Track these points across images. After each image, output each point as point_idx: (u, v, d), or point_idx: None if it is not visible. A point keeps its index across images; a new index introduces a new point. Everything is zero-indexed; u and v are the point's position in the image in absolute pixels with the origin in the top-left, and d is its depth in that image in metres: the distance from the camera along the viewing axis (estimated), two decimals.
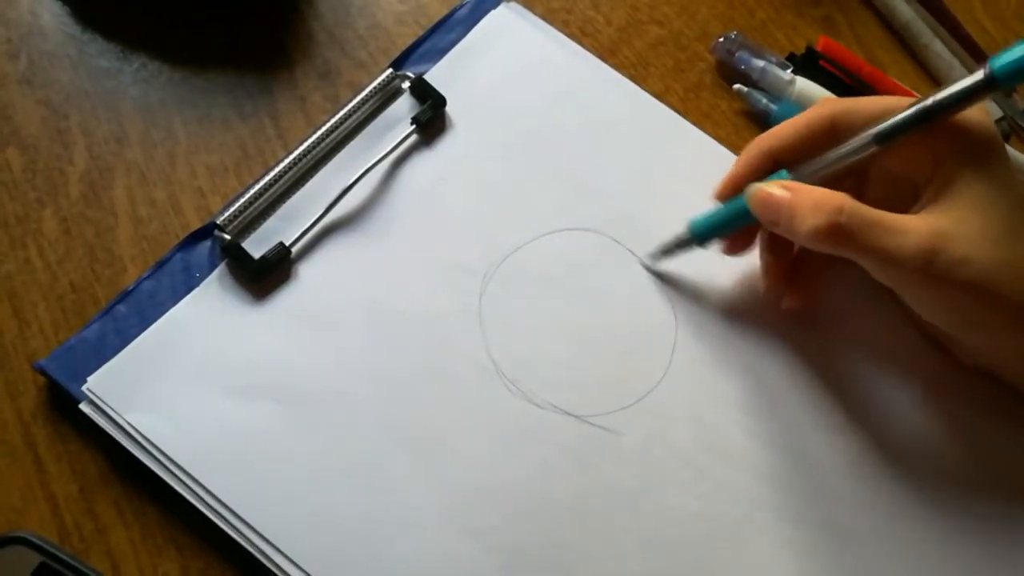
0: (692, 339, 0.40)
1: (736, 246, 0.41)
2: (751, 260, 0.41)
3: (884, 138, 0.35)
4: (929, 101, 0.34)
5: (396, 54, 0.45)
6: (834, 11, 0.52)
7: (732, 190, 0.39)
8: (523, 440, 0.37)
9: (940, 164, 0.35)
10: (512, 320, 0.39)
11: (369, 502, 0.35)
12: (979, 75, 0.33)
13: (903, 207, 0.36)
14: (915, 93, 0.48)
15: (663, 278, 0.41)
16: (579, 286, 0.40)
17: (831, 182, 0.36)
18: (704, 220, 0.39)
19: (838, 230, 0.34)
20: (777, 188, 0.36)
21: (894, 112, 0.35)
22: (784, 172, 0.37)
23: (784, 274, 0.40)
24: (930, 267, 0.33)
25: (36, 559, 0.32)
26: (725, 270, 0.42)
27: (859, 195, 0.35)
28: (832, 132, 0.37)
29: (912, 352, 0.41)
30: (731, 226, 0.39)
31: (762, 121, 0.47)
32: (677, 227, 0.40)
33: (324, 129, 0.41)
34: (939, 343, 0.41)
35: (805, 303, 0.40)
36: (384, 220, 0.40)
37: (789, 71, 0.47)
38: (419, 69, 0.44)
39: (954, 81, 0.34)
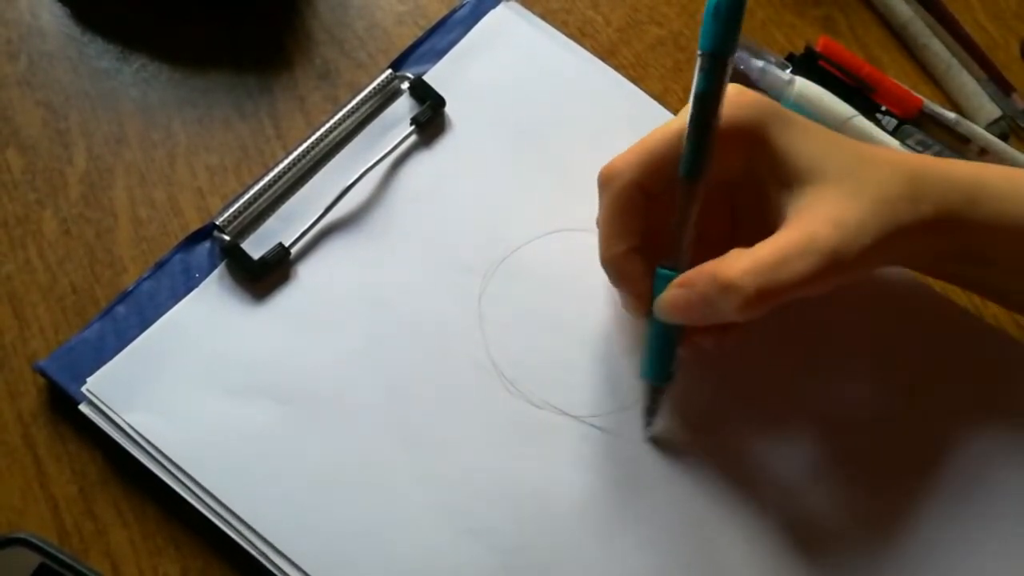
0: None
1: (714, 337, 0.37)
2: None
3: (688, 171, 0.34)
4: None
5: (395, 54, 0.45)
6: (834, 11, 0.52)
7: (646, 306, 0.36)
8: (522, 440, 0.37)
9: (752, 152, 0.35)
10: (512, 320, 0.39)
11: (368, 502, 0.35)
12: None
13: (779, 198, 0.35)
14: (915, 92, 0.48)
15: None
16: (579, 286, 0.40)
17: (702, 232, 0.35)
18: (648, 362, 0.36)
19: (762, 295, 0.32)
20: (675, 290, 0.34)
21: (655, 149, 0.35)
22: (661, 271, 0.35)
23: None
24: (842, 260, 0.32)
25: (36, 560, 0.32)
26: None
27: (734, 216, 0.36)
28: (636, 198, 0.36)
29: (904, 342, 0.41)
30: (674, 345, 0.36)
31: None
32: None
33: (324, 129, 0.41)
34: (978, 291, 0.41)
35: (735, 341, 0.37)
36: (383, 221, 0.40)
37: (788, 71, 0.47)
38: (418, 70, 0.44)
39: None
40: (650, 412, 0.37)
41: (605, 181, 0.36)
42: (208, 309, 0.38)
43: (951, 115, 0.48)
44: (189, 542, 0.35)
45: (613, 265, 0.36)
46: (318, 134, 0.41)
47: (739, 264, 0.33)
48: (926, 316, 0.42)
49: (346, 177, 0.40)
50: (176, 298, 0.38)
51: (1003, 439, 0.39)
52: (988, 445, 0.39)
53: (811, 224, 0.33)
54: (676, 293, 0.34)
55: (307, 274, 0.39)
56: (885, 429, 0.39)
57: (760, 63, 0.47)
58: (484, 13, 0.46)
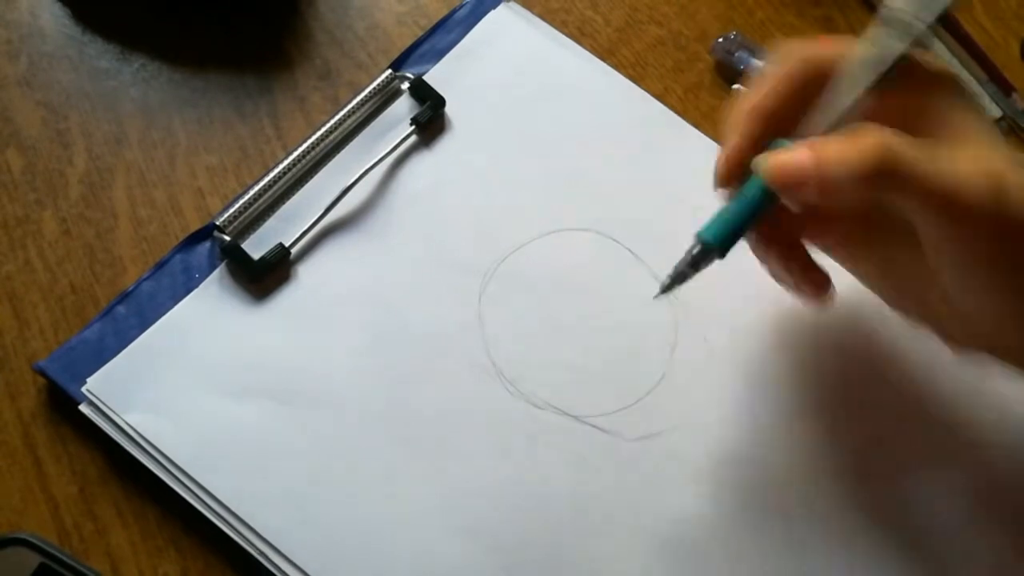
0: (692, 339, 0.40)
1: (769, 241, 0.35)
2: (749, 258, 0.41)
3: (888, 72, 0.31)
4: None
5: (396, 55, 0.45)
6: (834, 11, 0.52)
7: (737, 168, 0.33)
8: (522, 440, 0.37)
9: (930, 108, 0.31)
10: (512, 320, 0.39)
11: (368, 502, 0.35)
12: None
13: None
14: None
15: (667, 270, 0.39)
16: (579, 286, 0.40)
17: None
18: (717, 224, 0.33)
19: (889, 165, 0.28)
20: (790, 153, 0.31)
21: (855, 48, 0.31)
22: (782, 141, 0.32)
23: (806, 265, 0.35)
24: (1001, 197, 0.29)
25: (36, 560, 0.32)
26: (724, 268, 0.42)
27: None
28: (811, 80, 0.32)
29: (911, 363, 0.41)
30: (750, 219, 0.33)
31: None
32: (680, 231, 0.39)
33: (324, 130, 0.41)
34: (926, 324, 0.36)
35: (826, 286, 0.36)
36: (384, 221, 0.40)
37: None
38: (418, 70, 0.44)
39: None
40: (679, 278, 0.34)
41: (785, 51, 0.33)
42: (208, 309, 0.38)
43: None
44: (189, 542, 0.35)
45: (745, 110, 0.33)
46: (318, 134, 0.41)
47: (880, 134, 0.29)
48: None
49: (346, 177, 0.40)
50: (176, 298, 0.38)
51: None
52: None
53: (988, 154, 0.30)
54: (793, 154, 0.31)
55: (307, 274, 0.39)
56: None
57: (760, 63, 0.47)
58: (484, 13, 0.46)
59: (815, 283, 0.36)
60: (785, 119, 0.33)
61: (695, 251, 0.33)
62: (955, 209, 0.29)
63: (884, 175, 0.29)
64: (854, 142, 0.29)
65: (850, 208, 0.34)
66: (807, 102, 0.32)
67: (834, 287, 0.36)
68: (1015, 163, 0.30)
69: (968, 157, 0.29)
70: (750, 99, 0.33)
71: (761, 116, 0.33)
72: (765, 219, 0.33)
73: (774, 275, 0.37)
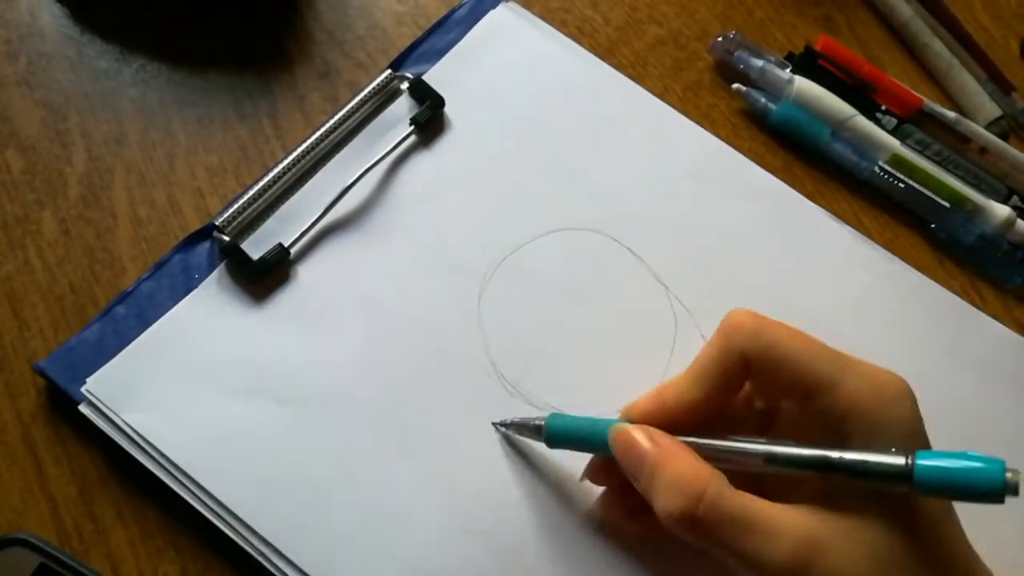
0: (692, 339, 0.40)
1: (599, 478, 0.35)
2: (749, 262, 0.41)
3: (777, 464, 0.30)
4: (834, 456, 0.29)
5: (395, 54, 0.45)
6: (833, 10, 0.52)
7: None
8: (522, 440, 0.37)
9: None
10: (511, 320, 0.39)
11: (368, 503, 0.35)
12: (898, 460, 0.28)
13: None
14: (915, 92, 0.48)
15: (667, 270, 0.40)
16: (579, 286, 0.40)
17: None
18: (564, 422, 0.35)
19: (694, 522, 0.29)
20: (644, 436, 0.31)
21: (808, 376, 0.30)
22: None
23: (625, 508, 0.35)
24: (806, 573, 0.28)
25: (36, 560, 0.32)
26: (725, 269, 0.42)
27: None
28: (744, 375, 0.32)
29: None
30: (588, 447, 0.34)
31: (761, 121, 0.47)
32: (680, 231, 0.39)
33: (323, 130, 0.41)
34: None
35: (647, 533, 0.35)
36: (383, 221, 0.40)
37: (788, 70, 0.47)
38: (418, 70, 0.44)
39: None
40: (513, 428, 0.36)
41: (733, 331, 0.32)
42: (208, 309, 0.38)
43: (951, 114, 0.48)
44: (189, 542, 0.35)
45: (657, 397, 0.32)
46: (318, 134, 0.41)
47: (705, 486, 0.29)
48: None
49: (346, 177, 0.40)
50: (176, 298, 0.38)
51: None
52: None
53: (820, 527, 0.29)
54: (640, 439, 0.31)
55: (307, 274, 0.39)
56: None
57: (760, 62, 0.47)
58: (483, 13, 0.46)
59: (640, 532, 0.35)
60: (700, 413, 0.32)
61: (536, 423, 0.35)
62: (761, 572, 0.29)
63: (686, 527, 0.29)
64: (680, 482, 0.29)
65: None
66: (732, 391, 0.32)
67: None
68: (835, 534, 0.29)
69: (794, 529, 0.29)
70: (668, 388, 0.33)
71: (662, 412, 0.32)
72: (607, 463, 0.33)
73: (592, 478, 0.36)
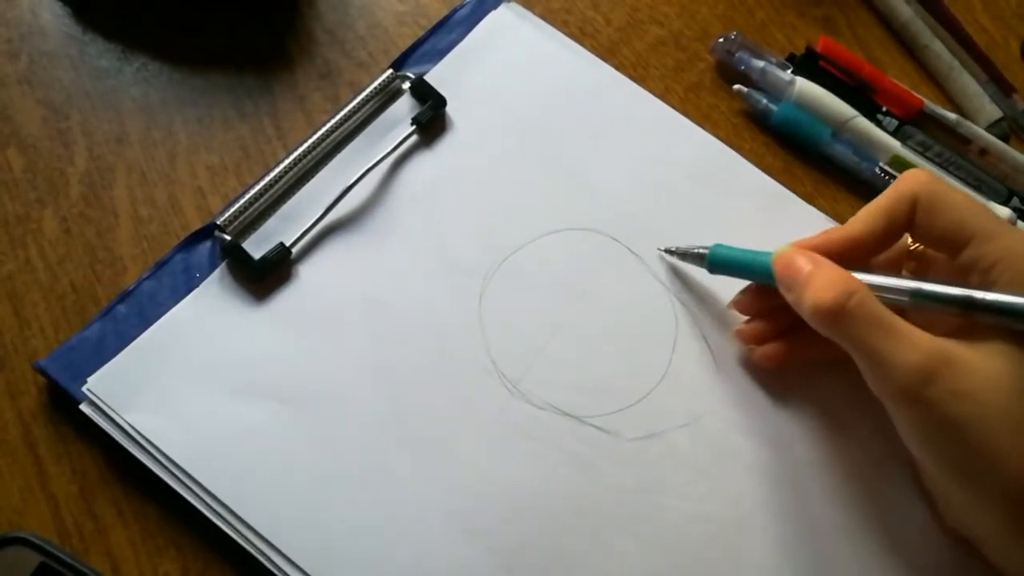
0: (692, 339, 0.40)
1: (746, 307, 0.39)
2: None
3: (922, 299, 0.33)
4: (978, 295, 0.32)
5: (396, 54, 0.45)
6: (834, 11, 0.52)
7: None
8: (523, 441, 0.37)
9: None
10: (512, 320, 0.39)
11: (369, 502, 0.35)
12: None
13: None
14: (914, 93, 0.48)
15: (667, 270, 0.41)
16: (579, 286, 0.40)
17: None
18: (726, 252, 0.38)
19: (840, 313, 0.32)
20: (803, 257, 0.34)
21: (969, 223, 0.33)
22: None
23: (759, 336, 0.39)
24: (923, 389, 0.31)
25: (36, 559, 0.32)
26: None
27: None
28: (909, 219, 0.35)
29: None
30: (747, 274, 0.38)
31: (762, 121, 0.47)
32: (680, 230, 0.39)
33: (324, 129, 0.41)
34: (924, 491, 0.38)
35: (780, 362, 0.38)
36: (384, 221, 0.40)
37: (789, 71, 0.47)
38: (419, 69, 0.44)
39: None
40: (679, 255, 0.40)
41: (912, 178, 0.35)
42: (209, 309, 0.38)
43: (952, 116, 0.48)
44: (189, 542, 0.35)
45: (833, 237, 0.36)
46: (319, 134, 0.41)
47: (856, 287, 0.32)
48: None
49: (347, 177, 0.40)
50: (177, 298, 0.38)
51: None
52: None
53: (953, 348, 0.32)
54: (800, 258, 0.34)
55: (308, 274, 0.39)
56: None
57: (761, 63, 0.47)
58: (485, 13, 0.46)
59: (767, 355, 0.39)
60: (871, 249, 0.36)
61: (698, 250, 0.39)
62: (886, 382, 0.32)
63: (831, 317, 0.32)
64: (834, 282, 0.33)
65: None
66: (898, 233, 0.35)
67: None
68: (966, 356, 0.32)
69: (927, 345, 0.32)
70: (842, 230, 0.36)
71: (837, 248, 0.36)
72: (767, 288, 0.37)
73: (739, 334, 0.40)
